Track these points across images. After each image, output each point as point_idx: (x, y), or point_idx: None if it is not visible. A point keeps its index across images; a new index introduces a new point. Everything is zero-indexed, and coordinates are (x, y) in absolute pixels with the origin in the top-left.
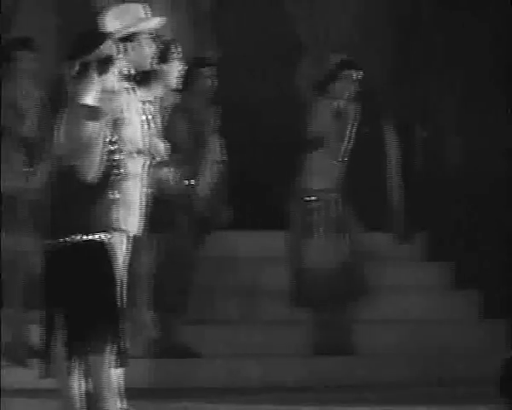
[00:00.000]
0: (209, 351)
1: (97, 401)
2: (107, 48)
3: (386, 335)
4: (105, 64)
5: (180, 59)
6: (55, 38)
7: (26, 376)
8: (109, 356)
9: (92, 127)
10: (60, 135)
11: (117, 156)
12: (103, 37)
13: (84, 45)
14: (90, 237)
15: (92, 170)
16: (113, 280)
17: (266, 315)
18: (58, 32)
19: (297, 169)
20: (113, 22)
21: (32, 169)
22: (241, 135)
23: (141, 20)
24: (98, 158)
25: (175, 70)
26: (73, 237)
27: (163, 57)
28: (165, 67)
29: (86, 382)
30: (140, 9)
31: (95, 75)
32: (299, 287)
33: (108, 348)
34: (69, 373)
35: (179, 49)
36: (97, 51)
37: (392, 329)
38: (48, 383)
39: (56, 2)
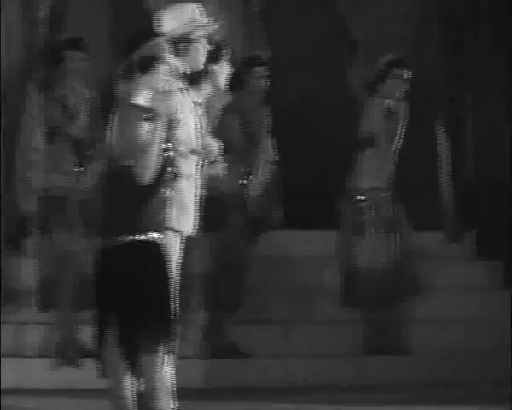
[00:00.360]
0: (260, 351)
1: (149, 401)
2: (151, 47)
3: (435, 334)
4: (148, 63)
5: (229, 60)
6: (105, 38)
7: (77, 376)
8: (162, 356)
9: (148, 128)
10: (112, 135)
11: (171, 155)
12: (148, 36)
13: (129, 44)
14: (143, 236)
15: (148, 171)
16: (166, 280)
17: (317, 315)
18: (109, 32)
19: (348, 168)
20: (167, 22)
21: (82, 169)
22: (293, 135)
23: (195, 20)
24: (154, 159)
25: (224, 71)
26: (126, 236)
27: (214, 58)
28: (215, 67)
29: (138, 382)
30: (194, 10)
31: (139, 74)
32: (349, 287)
33: (161, 349)
34: (121, 373)
35: (229, 51)
36: (141, 50)
37: (442, 328)
38: (98, 383)
39: (107, 2)
